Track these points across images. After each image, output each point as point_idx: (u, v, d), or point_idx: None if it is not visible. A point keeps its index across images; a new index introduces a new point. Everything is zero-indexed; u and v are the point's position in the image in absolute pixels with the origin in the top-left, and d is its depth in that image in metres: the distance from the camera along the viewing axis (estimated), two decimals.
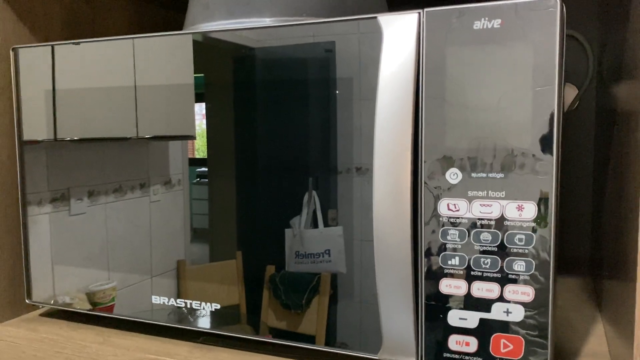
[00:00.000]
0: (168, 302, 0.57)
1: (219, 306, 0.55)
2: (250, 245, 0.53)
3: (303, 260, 0.51)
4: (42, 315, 0.67)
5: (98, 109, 0.58)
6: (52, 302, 0.63)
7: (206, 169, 0.55)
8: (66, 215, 0.61)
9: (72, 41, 0.59)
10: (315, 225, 0.50)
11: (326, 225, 0.50)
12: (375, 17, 0.46)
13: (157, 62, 0.55)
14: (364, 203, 0.48)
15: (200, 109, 0.54)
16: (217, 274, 0.55)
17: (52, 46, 0.60)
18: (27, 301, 0.64)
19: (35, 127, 0.62)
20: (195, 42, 0.54)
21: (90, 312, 0.61)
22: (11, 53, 0.62)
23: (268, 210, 0.52)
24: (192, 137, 0.55)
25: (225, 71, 0.53)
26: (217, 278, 0.55)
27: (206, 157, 0.55)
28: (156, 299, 0.57)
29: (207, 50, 0.53)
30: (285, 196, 0.51)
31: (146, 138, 0.57)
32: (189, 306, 0.56)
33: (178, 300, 0.57)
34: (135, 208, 0.58)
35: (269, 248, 0.52)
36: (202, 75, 0.54)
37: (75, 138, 0.60)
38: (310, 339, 0.52)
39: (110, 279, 0.60)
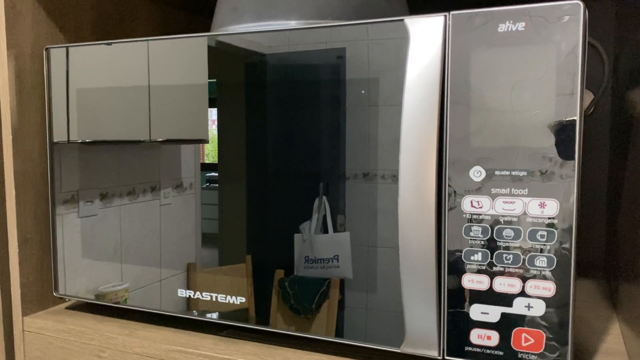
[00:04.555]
0: (194, 295, 0.58)
1: (244, 299, 0.56)
2: (259, 249, 0.54)
3: (312, 265, 0.52)
4: (68, 308, 0.69)
5: (113, 112, 0.60)
6: (78, 295, 0.64)
7: (216, 174, 0.56)
8: (77, 216, 0.63)
9: (104, 42, 0.61)
10: (325, 230, 0.51)
11: (336, 230, 0.51)
12: (402, 20, 0.47)
13: (172, 65, 0.57)
14: (374, 209, 0.49)
15: (211, 114, 0.56)
16: (226, 277, 0.56)
17: (79, 47, 0.62)
18: (54, 294, 0.66)
19: (62, 128, 0.63)
20: (210, 47, 0.55)
21: (117, 306, 0.62)
22: (44, 53, 0.64)
23: (278, 215, 0.53)
24: (205, 141, 0.56)
25: (238, 76, 0.54)
26: (226, 281, 0.56)
27: (216, 162, 0.56)
28: (182, 292, 0.59)
29: (221, 55, 0.55)
30: (295, 201, 0.52)
31: (159, 141, 0.58)
32: (213, 298, 0.57)
33: (203, 294, 0.58)
34: (147, 211, 0.59)
35: (278, 252, 0.53)
36: (214, 80, 0.55)
37: (87, 140, 0.61)
38: None
39: (122, 280, 0.61)
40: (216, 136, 0.55)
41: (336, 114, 0.50)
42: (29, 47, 0.64)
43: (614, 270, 0.70)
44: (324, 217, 0.51)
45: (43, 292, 0.67)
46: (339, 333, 0.52)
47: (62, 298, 0.68)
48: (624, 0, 0.72)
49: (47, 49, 0.64)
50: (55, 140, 0.64)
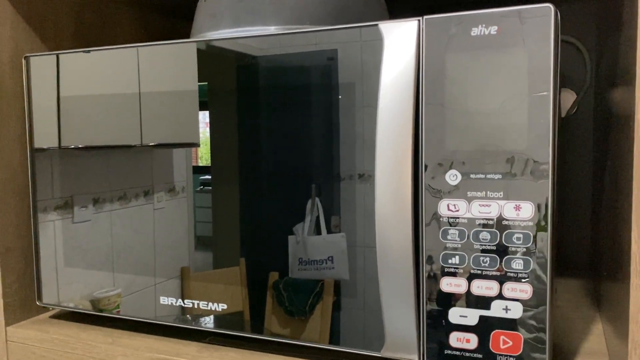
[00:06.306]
0: (176, 302, 0.58)
1: (225, 306, 0.56)
2: (253, 252, 0.54)
3: (306, 267, 0.52)
4: (52, 317, 0.68)
5: (103, 117, 0.60)
6: (62, 304, 0.64)
7: (209, 177, 0.56)
8: (70, 222, 0.63)
9: (82, 49, 0.60)
10: (318, 232, 0.51)
11: (329, 231, 0.51)
12: (377, 25, 0.47)
13: (162, 70, 0.57)
14: (367, 209, 0.49)
15: (203, 117, 0.56)
16: (220, 280, 0.56)
17: (58, 55, 0.61)
18: (37, 303, 0.65)
19: (45, 135, 0.63)
20: (199, 51, 0.55)
21: (100, 314, 0.62)
22: (23, 61, 0.64)
23: (271, 217, 0.53)
24: (196, 145, 0.56)
25: (228, 79, 0.54)
26: (220, 285, 0.56)
27: (209, 165, 0.56)
28: (164, 300, 0.59)
29: (211, 59, 0.55)
30: (288, 203, 0.52)
31: (150, 146, 0.58)
32: (195, 306, 0.57)
33: (186, 301, 0.58)
34: (140, 215, 0.59)
35: (272, 255, 0.53)
36: (205, 83, 0.55)
37: (80, 146, 0.61)
38: None
39: (115, 285, 0.61)
40: (209, 139, 0.55)
41: (327, 116, 0.50)
42: (8, 56, 0.64)
43: (598, 270, 0.70)
44: (317, 218, 0.51)
45: (27, 301, 0.67)
46: (333, 335, 0.52)
47: (45, 307, 0.68)
48: (604, 1, 0.72)
49: (26, 57, 0.63)
50: (43, 147, 0.63)
